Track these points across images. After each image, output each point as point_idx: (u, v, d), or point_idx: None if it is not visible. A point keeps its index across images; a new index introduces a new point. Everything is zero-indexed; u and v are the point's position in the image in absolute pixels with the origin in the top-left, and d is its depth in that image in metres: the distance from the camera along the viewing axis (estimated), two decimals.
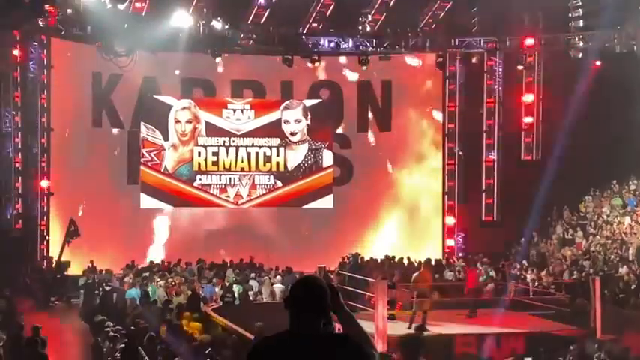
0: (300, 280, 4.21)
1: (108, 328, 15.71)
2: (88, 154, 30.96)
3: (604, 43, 30.27)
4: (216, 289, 25.51)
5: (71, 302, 26.44)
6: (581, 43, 30.91)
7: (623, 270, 26.06)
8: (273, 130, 32.91)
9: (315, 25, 31.60)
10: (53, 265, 27.98)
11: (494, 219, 33.07)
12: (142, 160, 31.88)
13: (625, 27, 29.75)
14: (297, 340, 3.98)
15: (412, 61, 33.38)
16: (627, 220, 29.21)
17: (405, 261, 30.38)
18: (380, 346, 16.97)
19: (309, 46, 31.54)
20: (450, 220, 33.58)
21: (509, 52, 32.76)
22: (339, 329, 4.18)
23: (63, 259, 27.70)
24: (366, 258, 30.13)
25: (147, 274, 26.82)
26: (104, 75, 30.94)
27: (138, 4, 28.35)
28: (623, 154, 29.64)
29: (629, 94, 28.89)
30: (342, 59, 33.04)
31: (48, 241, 29.21)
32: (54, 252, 28.35)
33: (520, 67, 32.63)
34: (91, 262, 28.08)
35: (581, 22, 30.85)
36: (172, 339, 15.37)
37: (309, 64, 31.82)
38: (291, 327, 4.03)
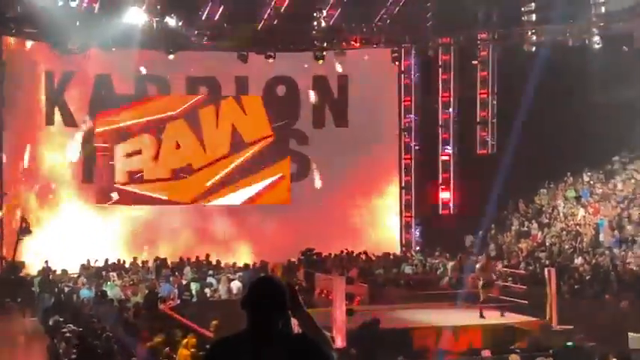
0: (257, 279, 4.15)
1: (64, 329, 15.51)
2: (41, 152, 30.61)
3: (557, 37, 30.56)
4: (174, 288, 25.33)
5: (26, 303, 26.04)
6: (534, 37, 31.14)
7: (578, 261, 26.33)
8: None
9: (270, 20, 31.47)
10: (7, 266, 27.56)
11: (451, 212, 33.24)
12: (96, 158, 31.55)
13: (577, 20, 30.08)
14: (255, 340, 3.93)
15: (367, 56, 33.35)
16: (581, 211, 29.52)
17: (363, 256, 30.48)
18: (339, 341, 16.98)
19: (264, 41, 31.41)
20: (407, 214, 33.71)
21: (464, 47, 32.91)
22: (297, 329, 4.14)
23: (17, 260, 27.30)
24: (324, 253, 30.10)
25: (103, 272, 26.61)
26: (57, 73, 30.59)
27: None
28: (577, 147, 29.93)
29: (582, 87, 29.17)
30: (298, 55, 32.93)
31: (1, 242, 28.78)
32: (8, 252, 27.92)
33: (474, 62, 32.79)
34: (46, 262, 27.71)
35: (534, 16, 31.09)
36: (129, 339, 15.23)
37: (265, 60, 31.66)
38: (248, 327, 3.97)
